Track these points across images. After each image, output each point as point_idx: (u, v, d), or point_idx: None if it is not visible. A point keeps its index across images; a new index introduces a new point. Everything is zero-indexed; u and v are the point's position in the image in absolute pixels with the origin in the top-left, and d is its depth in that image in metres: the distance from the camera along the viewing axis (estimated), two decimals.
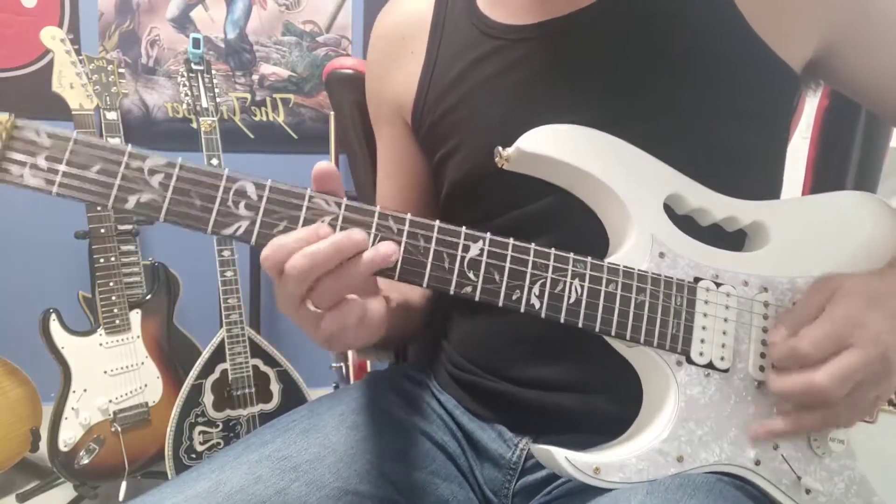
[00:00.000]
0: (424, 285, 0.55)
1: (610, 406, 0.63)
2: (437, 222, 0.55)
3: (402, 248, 0.54)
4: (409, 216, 0.54)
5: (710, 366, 0.58)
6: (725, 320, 0.58)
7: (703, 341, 0.58)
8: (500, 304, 0.55)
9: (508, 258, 0.55)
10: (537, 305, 0.55)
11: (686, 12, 0.64)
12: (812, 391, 0.53)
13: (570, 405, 0.66)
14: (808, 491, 0.57)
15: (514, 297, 0.55)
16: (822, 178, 0.88)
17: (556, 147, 0.58)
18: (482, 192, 0.70)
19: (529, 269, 0.55)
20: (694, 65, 0.64)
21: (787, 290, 0.60)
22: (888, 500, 0.59)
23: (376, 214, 0.54)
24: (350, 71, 0.93)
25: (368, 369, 1.95)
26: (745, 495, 0.56)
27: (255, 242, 0.52)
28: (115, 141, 1.73)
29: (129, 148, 0.51)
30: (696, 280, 0.59)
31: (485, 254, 0.55)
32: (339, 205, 0.53)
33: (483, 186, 0.69)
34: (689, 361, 0.58)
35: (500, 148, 0.57)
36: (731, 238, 0.62)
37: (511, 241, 0.56)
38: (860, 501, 0.59)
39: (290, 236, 0.51)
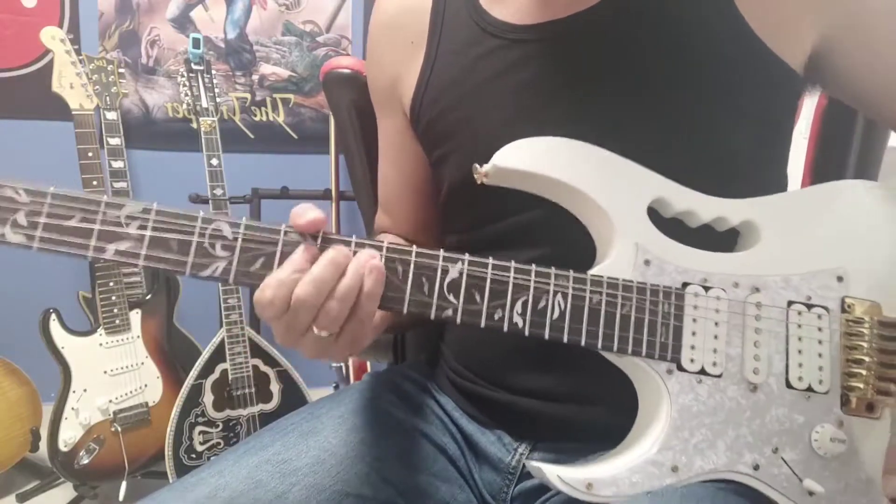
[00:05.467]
0: (405, 311, 0.54)
1: (609, 416, 0.62)
2: (415, 248, 0.55)
3: None
4: (385, 243, 0.54)
5: (702, 372, 0.57)
6: (716, 324, 0.58)
7: (693, 347, 0.57)
8: (483, 324, 0.55)
9: (489, 278, 0.55)
10: (520, 324, 0.55)
11: (687, 15, 0.63)
12: None
13: (569, 415, 0.66)
14: (810, 493, 0.56)
15: (496, 318, 0.55)
16: (821, 177, 0.87)
17: (532, 161, 0.57)
18: (479, 197, 0.69)
19: (511, 288, 0.55)
20: (695, 69, 0.63)
21: (781, 289, 0.59)
22: None
23: (353, 244, 0.54)
24: (348, 71, 0.93)
25: (368, 370, 1.95)
26: (748, 501, 0.55)
27: (232, 281, 0.53)
28: (116, 141, 1.73)
29: (105, 198, 0.51)
30: (685, 285, 0.58)
31: (464, 275, 0.55)
32: (314, 238, 0.53)
33: (479, 192, 0.69)
34: (680, 369, 0.57)
35: (476, 165, 0.57)
36: (723, 239, 0.61)
37: (490, 260, 0.55)
38: (866, 502, 0.58)
39: (285, 269, 0.52)
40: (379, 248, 0.54)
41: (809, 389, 0.58)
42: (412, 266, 0.54)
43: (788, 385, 0.58)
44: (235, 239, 0.53)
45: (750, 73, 0.63)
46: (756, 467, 0.57)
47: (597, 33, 0.65)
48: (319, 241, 0.53)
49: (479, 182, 0.58)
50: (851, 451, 0.58)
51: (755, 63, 0.63)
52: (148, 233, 0.52)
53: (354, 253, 0.53)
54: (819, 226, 0.60)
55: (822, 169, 0.88)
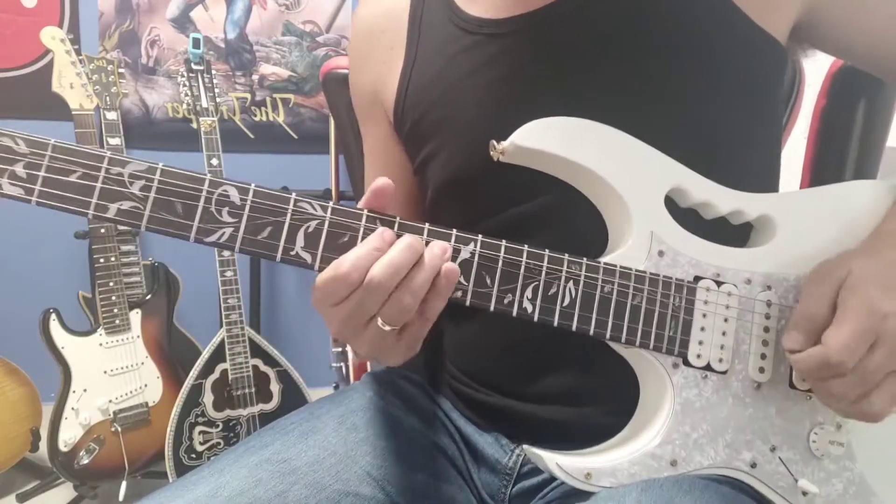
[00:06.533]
0: None
1: (607, 418, 0.62)
2: (427, 225, 0.53)
3: None
4: (398, 219, 0.53)
5: (707, 368, 0.57)
6: (726, 320, 0.57)
7: (701, 343, 0.57)
8: (492, 308, 0.54)
9: (500, 260, 0.54)
10: (529, 309, 0.54)
11: None
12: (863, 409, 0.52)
13: (567, 418, 0.66)
14: (804, 493, 0.57)
15: (505, 301, 0.54)
16: (820, 177, 0.88)
17: (551, 142, 0.56)
18: (468, 194, 0.69)
19: (522, 272, 0.54)
20: (678, 48, 0.62)
21: (792, 288, 0.59)
22: (889, 501, 0.58)
23: (364, 217, 0.52)
24: (347, 71, 0.93)
25: (368, 370, 1.95)
26: (741, 493, 0.55)
27: (238, 249, 0.51)
28: (116, 141, 1.73)
29: (109, 153, 0.49)
30: (697, 279, 0.58)
31: (476, 256, 0.54)
32: (324, 209, 0.52)
33: (468, 188, 0.68)
34: (686, 363, 0.57)
35: (494, 142, 0.56)
36: (736, 231, 0.61)
37: (503, 242, 0.54)
38: (858, 502, 0.58)
39: (363, 248, 0.50)
40: (391, 223, 0.52)
41: (811, 391, 0.58)
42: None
43: (792, 385, 0.58)
44: (243, 205, 0.51)
45: (734, 49, 0.62)
46: (753, 465, 0.57)
47: (572, 21, 0.64)
48: (329, 212, 0.52)
49: (494, 159, 0.56)
50: (848, 453, 0.58)
51: (739, 39, 0.62)
52: (152, 193, 0.50)
53: (427, 242, 0.52)
54: (833, 225, 0.60)
55: (822, 168, 0.88)
